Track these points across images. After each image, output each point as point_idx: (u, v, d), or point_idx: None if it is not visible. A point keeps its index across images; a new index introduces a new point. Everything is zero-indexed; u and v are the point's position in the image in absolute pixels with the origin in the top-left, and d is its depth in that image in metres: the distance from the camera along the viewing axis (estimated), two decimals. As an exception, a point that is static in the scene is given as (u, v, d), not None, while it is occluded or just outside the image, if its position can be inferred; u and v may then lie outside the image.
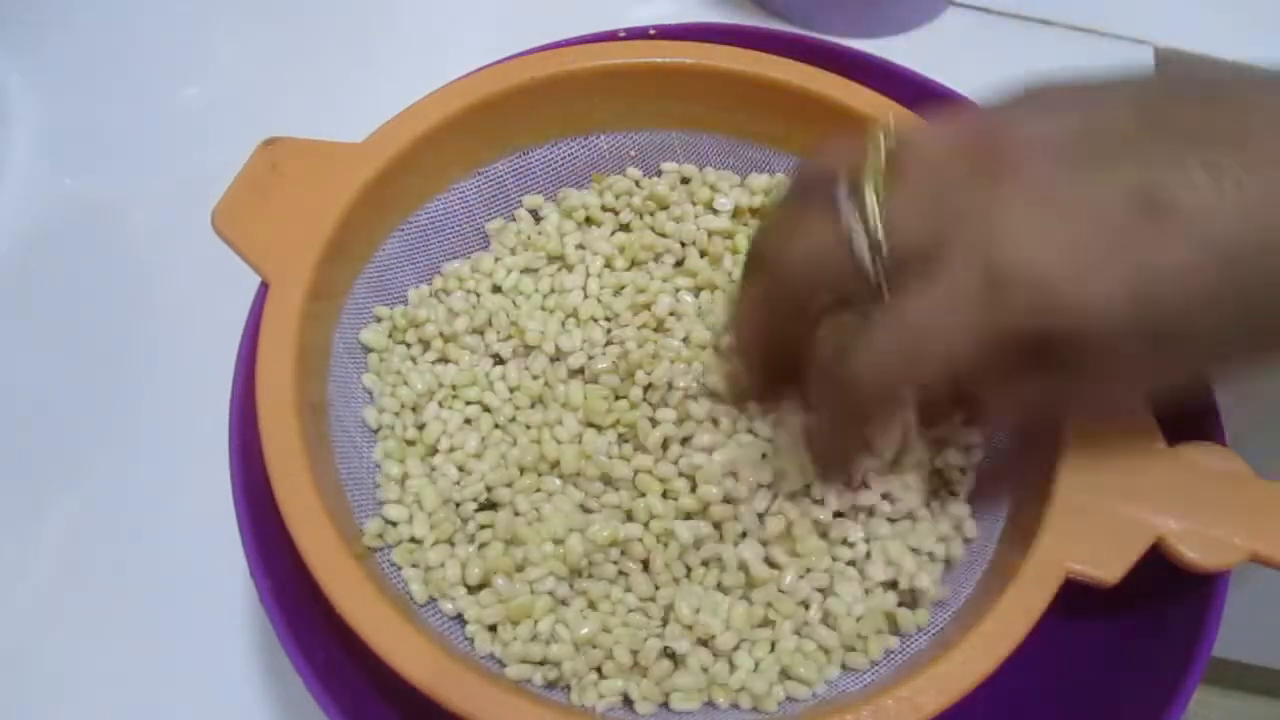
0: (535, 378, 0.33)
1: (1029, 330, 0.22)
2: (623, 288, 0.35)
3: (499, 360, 0.34)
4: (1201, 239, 0.21)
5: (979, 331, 0.22)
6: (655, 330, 0.34)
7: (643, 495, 0.31)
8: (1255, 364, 0.25)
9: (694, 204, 0.36)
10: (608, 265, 0.36)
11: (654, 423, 0.32)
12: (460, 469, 0.32)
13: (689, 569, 0.30)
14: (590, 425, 0.32)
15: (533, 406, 0.33)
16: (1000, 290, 0.22)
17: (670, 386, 0.32)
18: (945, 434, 0.33)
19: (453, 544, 0.31)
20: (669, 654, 0.29)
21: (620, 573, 0.30)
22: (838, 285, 0.24)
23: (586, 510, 0.31)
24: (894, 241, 0.23)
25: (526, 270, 0.36)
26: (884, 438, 0.30)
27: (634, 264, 0.36)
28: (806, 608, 0.30)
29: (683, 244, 0.36)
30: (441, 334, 0.34)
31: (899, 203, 0.23)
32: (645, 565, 0.30)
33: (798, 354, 0.28)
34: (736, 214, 0.36)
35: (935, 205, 0.23)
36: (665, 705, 0.29)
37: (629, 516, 0.31)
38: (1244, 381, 0.27)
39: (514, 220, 0.37)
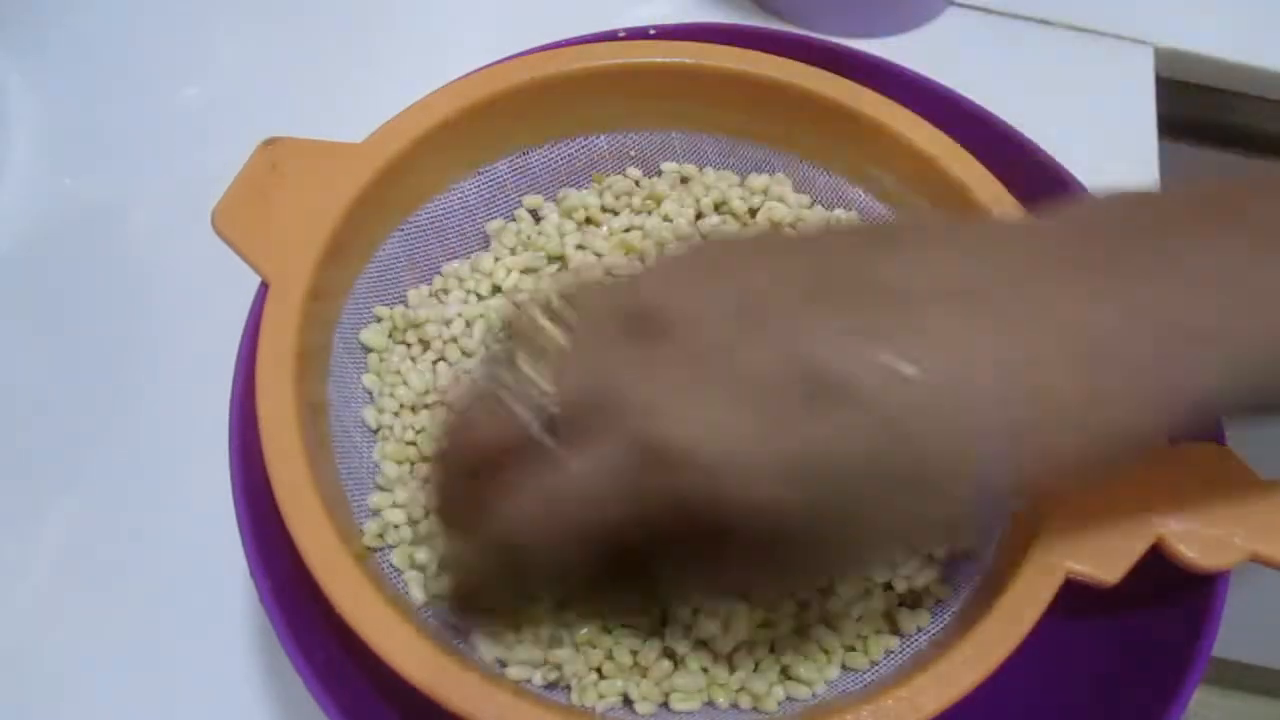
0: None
1: (677, 503, 0.21)
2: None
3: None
4: (860, 417, 0.20)
5: (632, 501, 0.21)
6: None
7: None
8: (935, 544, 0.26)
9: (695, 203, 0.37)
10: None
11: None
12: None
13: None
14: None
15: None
16: (646, 463, 0.20)
17: None
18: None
19: (453, 544, 0.31)
20: (669, 654, 0.29)
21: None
22: (506, 451, 0.23)
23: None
24: (550, 407, 0.22)
25: (527, 270, 0.36)
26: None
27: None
28: (806, 608, 0.30)
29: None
30: (441, 335, 0.34)
31: (557, 368, 0.22)
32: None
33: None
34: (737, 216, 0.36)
35: (589, 373, 0.22)
36: (665, 705, 0.29)
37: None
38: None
39: (514, 220, 0.37)
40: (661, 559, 0.23)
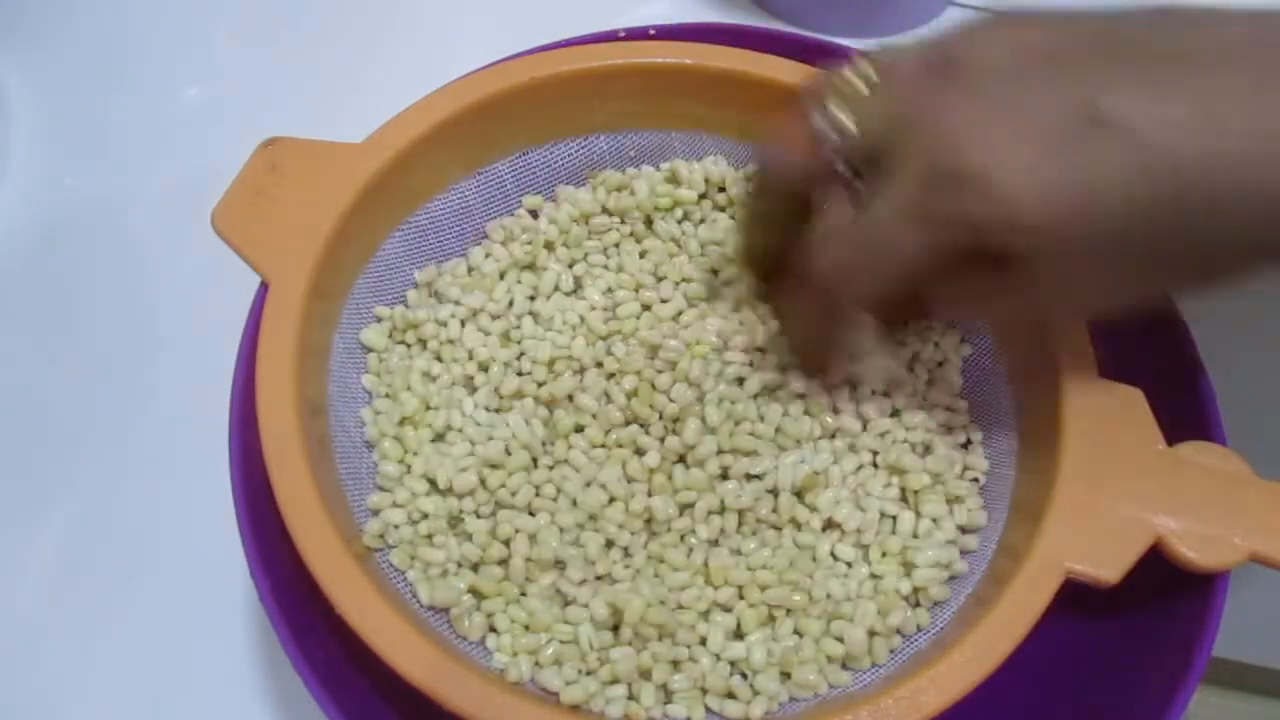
0: (532, 376, 0.33)
1: (970, 228, 0.23)
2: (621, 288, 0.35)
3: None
4: (1140, 154, 0.22)
5: (925, 230, 0.24)
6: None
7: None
8: (1193, 289, 0.26)
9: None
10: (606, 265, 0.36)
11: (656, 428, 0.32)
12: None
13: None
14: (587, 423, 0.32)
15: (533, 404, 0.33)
16: (943, 189, 0.23)
17: (669, 398, 0.32)
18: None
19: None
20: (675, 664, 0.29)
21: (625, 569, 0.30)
22: (812, 182, 0.27)
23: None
24: (854, 140, 0.25)
25: (526, 269, 0.36)
26: (854, 338, 0.31)
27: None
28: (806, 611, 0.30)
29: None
30: (439, 336, 0.34)
31: (862, 107, 0.25)
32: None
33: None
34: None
35: (893, 108, 0.25)
36: (665, 706, 0.29)
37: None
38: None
39: (514, 220, 0.37)
40: (942, 283, 0.26)
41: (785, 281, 0.30)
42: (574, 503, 0.31)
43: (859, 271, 0.26)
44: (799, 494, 0.31)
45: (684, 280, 0.35)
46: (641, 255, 0.36)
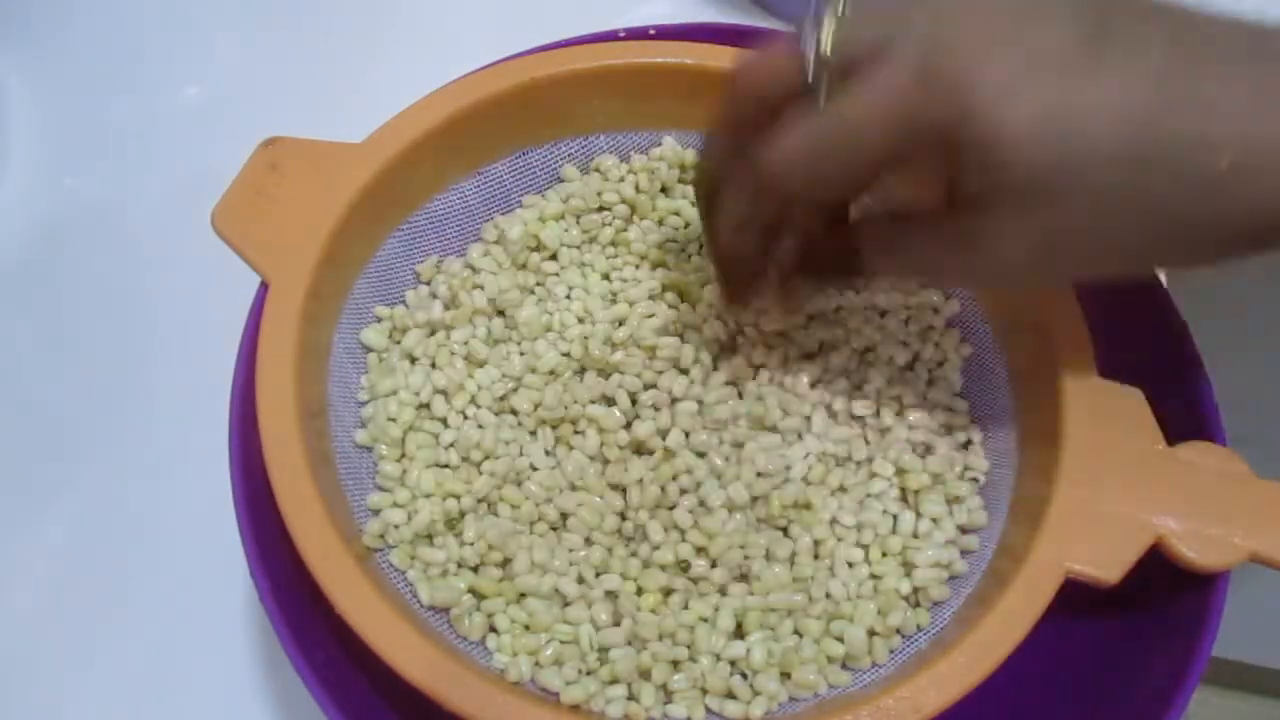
0: (529, 382, 0.33)
1: (940, 129, 0.22)
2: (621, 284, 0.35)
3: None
4: (1127, 98, 0.21)
5: (893, 121, 0.23)
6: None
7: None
8: (1146, 266, 0.25)
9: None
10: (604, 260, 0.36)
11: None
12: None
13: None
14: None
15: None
16: (924, 87, 0.22)
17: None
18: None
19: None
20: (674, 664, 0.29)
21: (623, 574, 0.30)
22: (783, 90, 0.25)
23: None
24: (843, 47, 0.24)
25: (524, 268, 0.36)
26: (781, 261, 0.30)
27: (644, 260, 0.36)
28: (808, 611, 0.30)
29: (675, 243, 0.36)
30: (438, 337, 0.34)
31: (855, 15, 0.24)
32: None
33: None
34: None
35: (888, 15, 0.23)
36: (665, 706, 0.29)
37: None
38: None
39: (512, 218, 0.37)
40: (881, 230, 0.26)
41: (725, 187, 0.28)
42: (574, 504, 0.31)
43: (813, 161, 0.24)
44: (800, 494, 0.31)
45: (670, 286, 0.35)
46: (642, 258, 0.36)
